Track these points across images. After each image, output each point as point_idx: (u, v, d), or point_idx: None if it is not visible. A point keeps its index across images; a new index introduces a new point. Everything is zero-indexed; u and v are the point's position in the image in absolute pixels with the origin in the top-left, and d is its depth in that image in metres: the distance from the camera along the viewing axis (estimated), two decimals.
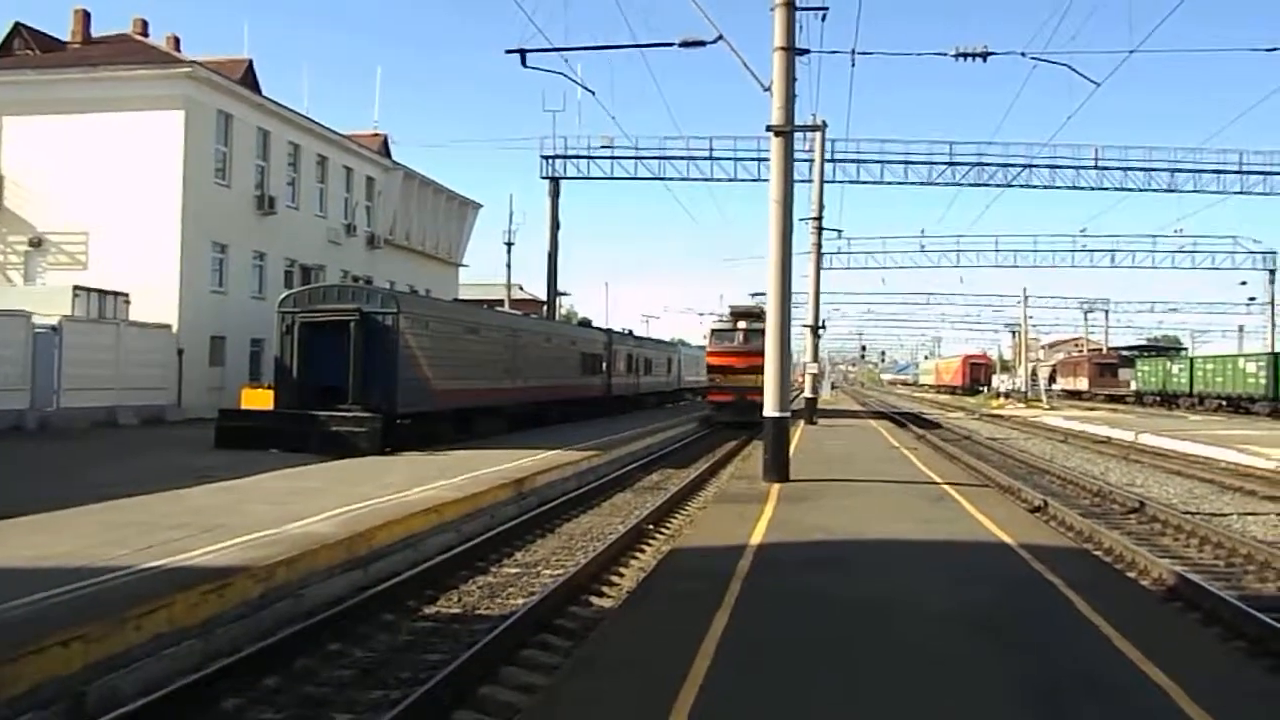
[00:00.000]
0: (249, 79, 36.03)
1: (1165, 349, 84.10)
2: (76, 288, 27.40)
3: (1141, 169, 45.75)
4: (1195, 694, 5.65)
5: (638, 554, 12.79)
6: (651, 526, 14.55)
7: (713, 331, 39.55)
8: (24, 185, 31.48)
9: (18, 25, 34.15)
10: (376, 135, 46.16)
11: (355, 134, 43.38)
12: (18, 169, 31.54)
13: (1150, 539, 14.43)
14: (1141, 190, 46.20)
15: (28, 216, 31.45)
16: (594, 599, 10.32)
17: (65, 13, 36.99)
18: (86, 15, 35.45)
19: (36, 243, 31.44)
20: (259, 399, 23.28)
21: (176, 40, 36.77)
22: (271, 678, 7.33)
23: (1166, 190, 46.18)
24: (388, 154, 45.80)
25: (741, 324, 36.86)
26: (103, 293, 28.00)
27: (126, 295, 28.85)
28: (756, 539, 10.83)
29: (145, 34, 36.49)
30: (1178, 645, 6.95)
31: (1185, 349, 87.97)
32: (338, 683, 7.39)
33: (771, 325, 16.75)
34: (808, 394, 38.41)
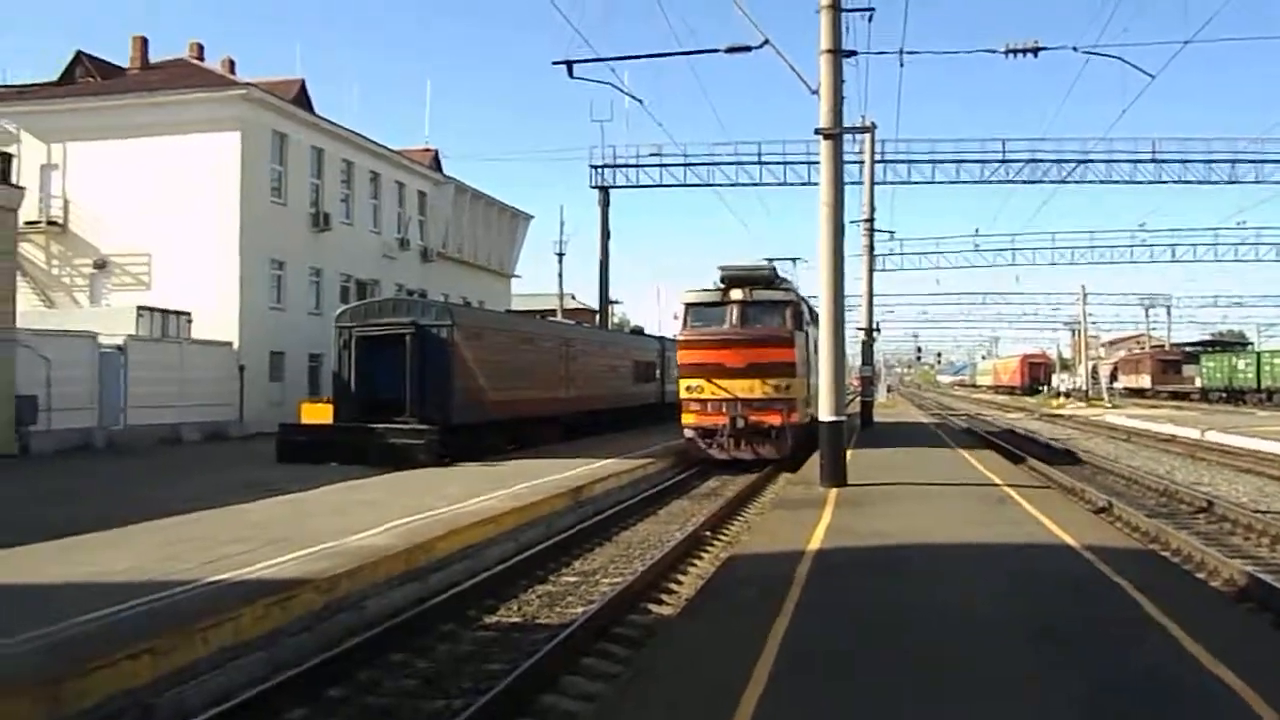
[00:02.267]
0: (302, 99, 36.64)
1: (1230, 344, 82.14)
2: (140, 308, 28.01)
3: (1201, 161, 44.80)
4: (1271, 698, 5.50)
5: (695, 561, 12.75)
6: (709, 533, 14.49)
7: (688, 309, 23.74)
8: (88, 209, 32.26)
9: (79, 54, 35.05)
10: (428, 150, 46.65)
11: (406, 150, 43.88)
12: (82, 193, 32.34)
13: (1220, 539, 14.10)
14: (1202, 182, 45.25)
15: (92, 239, 32.22)
16: (653, 606, 10.31)
17: (125, 40, 37.90)
18: (144, 42, 36.27)
19: (101, 264, 32.18)
20: (318, 413, 23.61)
21: (232, 63, 37.55)
22: (335, 689, 7.42)
23: (1228, 182, 45.16)
24: (439, 168, 46.25)
25: (736, 294, 23.10)
26: (165, 312, 28.61)
27: (189, 314, 29.45)
28: (815, 545, 10.74)
29: (201, 58, 37.27)
30: (1251, 648, 6.78)
31: (1251, 344, 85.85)
32: (400, 693, 7.45)
33: (825, 329, 16.62)
34: (863, 397, 37.69)
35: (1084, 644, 6.79)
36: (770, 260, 25.17)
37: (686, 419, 23.26)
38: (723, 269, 23.72)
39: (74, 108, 32.59)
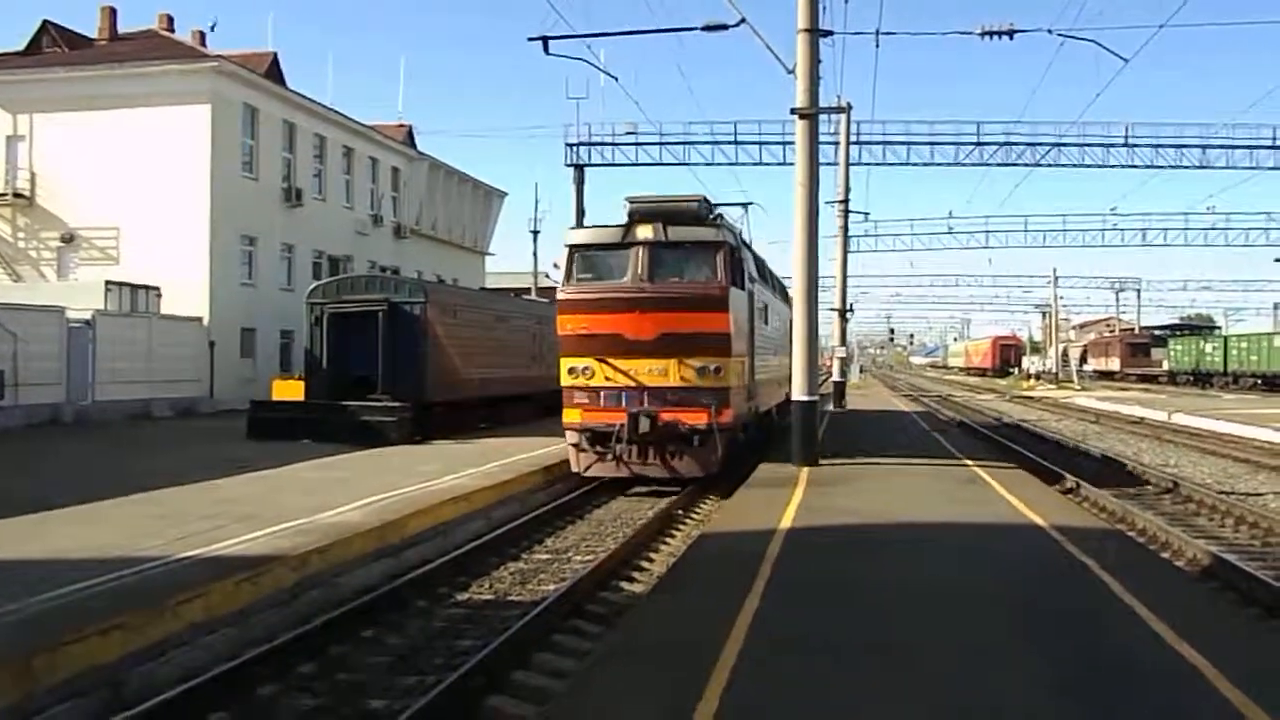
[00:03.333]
0: (274, 73, 36.20)
1: (1199, 328, 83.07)
2: (108, 282, 27.70)
3: (1172, 146, 45.04)
4: (1231, 675, 5.60)
5: (668, 539, 12.80)
6: (681, 512, 14.54)
7: (574, 255, 16.43)
8: (55, 182, 31.82)
9: (46, 23, 34.47)
10: (401, 126, 46.27)
11: (380, 125, 43.50)
12: (48, 166, 31.88)
13: (1185, 519, 14.30)
14: (1173, 167, 45.45)
15: (59, 213, 31.80)
16: (624, 584, 10.36)
17: (93, 10, 37.32)
18: (113, 12, 35.72)
19: (68, 238, 31.79)
20: (290, 390, 23.49)
21: (202, 35, 37.00)
22: (307, 664, 7.41)
23: (1198, 167, 45.42)
24: (413, 145, 45.90)
25: (645, 233, 15.82)
26: (134, 287, 28.31)
27: (158, 289, 29.17)
28: (786, 523, 10.81)
29: (171, 30, 36.70)
30: (1213, 626, 6.90)
31: (1219, 327, 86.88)
32: (372, 669, 7.46)
33: (799, 309, 16.72)
34: (836, 378, 37.82)
35: (1051, 622, 6.90)
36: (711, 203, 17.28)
37: (569, 417, 15.95)
38: (631, 199, 16.06)
39: (41, 78, 32.06)
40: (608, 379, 15.51)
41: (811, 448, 16.33)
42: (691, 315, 15.23)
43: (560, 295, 16.10)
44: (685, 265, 15.73)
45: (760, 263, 19.98)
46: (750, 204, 27.67)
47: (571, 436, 15.98)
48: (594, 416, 15.57)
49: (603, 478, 16.03)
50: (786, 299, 23.76)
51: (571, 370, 15.83)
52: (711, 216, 16.64)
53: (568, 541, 12.60)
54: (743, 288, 16.37)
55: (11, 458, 17.75)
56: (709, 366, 15.23)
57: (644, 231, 15.47)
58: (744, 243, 17.97)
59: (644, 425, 15.16)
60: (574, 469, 16.10)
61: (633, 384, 15.43)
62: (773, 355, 20.40)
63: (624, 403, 15.42)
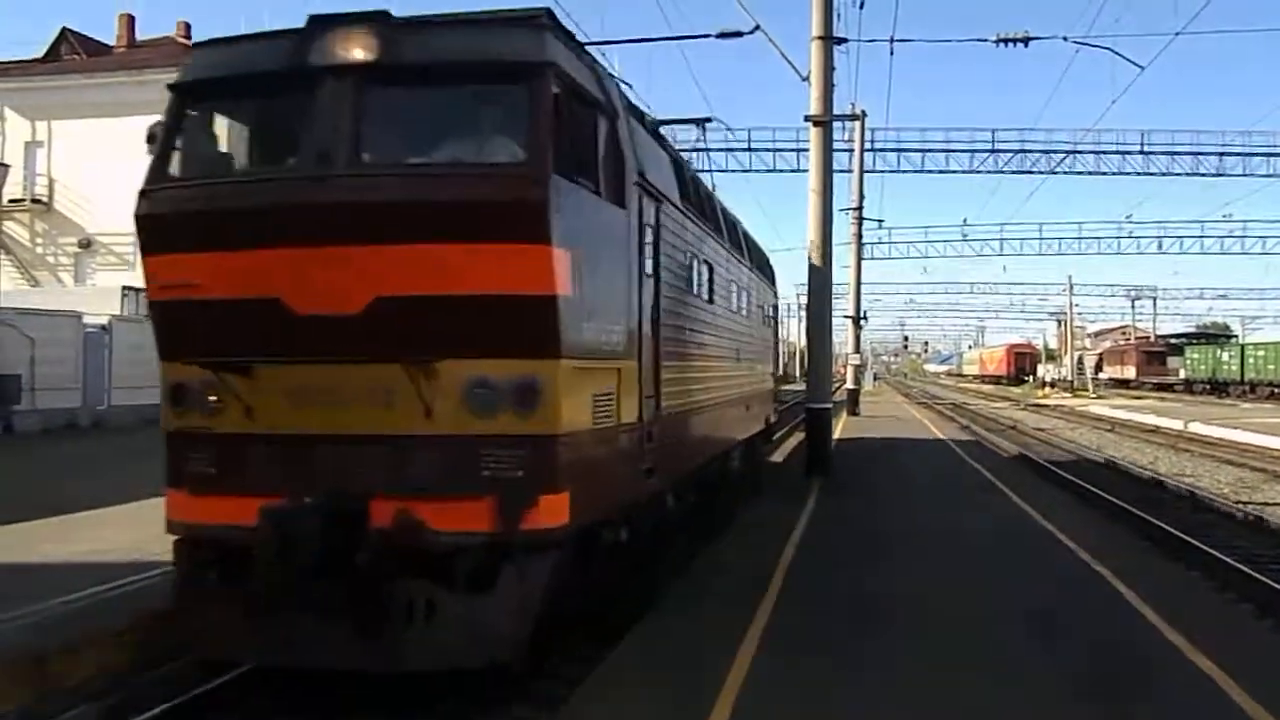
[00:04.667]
0: None
1: (1215, 336, 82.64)
2: (125, 288, 27.87)
3: (1189, 153, 44.93)
4: (1246, 683, 5.57)
5: None
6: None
7: (178, 108, 7.14)
8: (73, 188, 32.08)
9: (65, 31, 34.80)
10: None
11: None
12: (66, 172, 32.15)
13: (1202, 529, 14.21)
14: (1189, 175, 45.41)
15: (77, 218, 32.07)
16: None
17: (111, 18, 37.62)
18: (131, 20, 36.05)
19: (86, 244, 32.04)
20: None
21: None
22: None
23: (1214, 174, 45.34)
24: None
25: (341, 50, 6.12)
26: None
27: None
28: (796, 537, 10.79)
29: (189, 38, 36.95)
30: (1228, 635, 6.87)
31: (1236, 336, 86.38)
32: None
33: (813, 316, 16.70)
34: (850, 385, 37.70)
35: (1068, 625, 6.87)
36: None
37: (172, 506, 6.59)
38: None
39: (60, 85, 32.38)
40: (249, 417, 6.41)
41: (824, 458, 16.31)
42: (452, 252, 5.92)
43: (140, 207, 7.00)
44: (443, 125, 6.65)
45: (718, 209, 12.84)
46: (710, 119, 16.78)
47: (178, 554, 6.64)
48: (216, 511, 6.34)
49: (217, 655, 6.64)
50: (769, 279, 17.51)
51: (176, 394, 6.63)
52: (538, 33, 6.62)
53: None
54: (626, 204, 7.38)
55: (30, 461, 17.85)
56: (505, 385, 6.06)
57: (341, 46, 6.27)
58: (654, 123, 10.53)
59: (318, 538, 5.87)
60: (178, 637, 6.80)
61: (307, 433, 6.30)
62: (739, 360, 13.25)
63: (283, 480, 6.19)
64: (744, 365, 13.76)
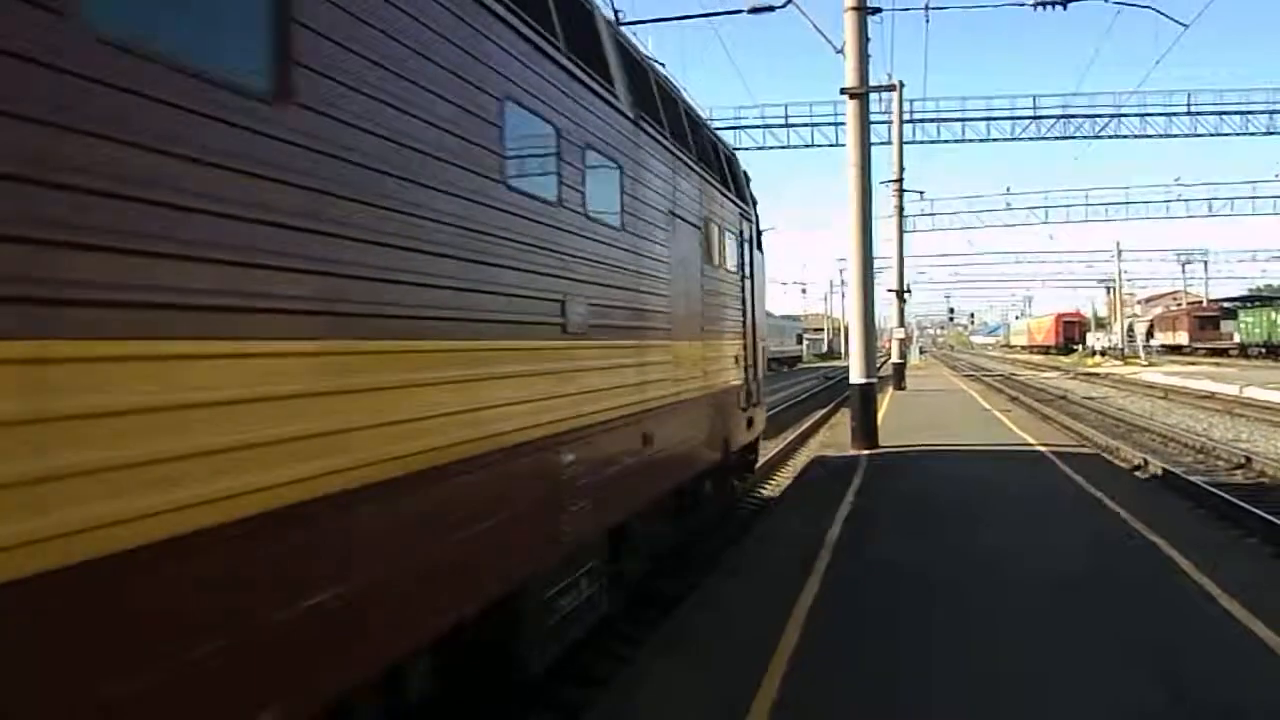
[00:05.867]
0: None
1: (1270, 298, 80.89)
2: None
3: (1238, 112, 43.97)
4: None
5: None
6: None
7: None
8: None
9: None
10: None
11: None
12: None
13: (1258, 495, 13.95)
14: (1239, 134, 44.43)
15: None
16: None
17: None
18: None
19: None
20: None
21: None
22: None
23: (1266, 133, 44.32)
24: None
25: None
26: None
27: None
28: (844, 510, 10.73)
29: None
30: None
31: None
32: None
33: (855, 290, 16.57)
34: (895, 359, 37.34)
35: (1118, 593, 6.78)
36: None
37: None
38: None
39: None
40: None
41: (871, 430, 16.21)
42: None
43: None
44: None
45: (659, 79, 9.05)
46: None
47: None
48: None
49: None
50: (740, 202, 12.01)
51: None
52: None
53: None
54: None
55: None
56: None
57: None
58: None
59: None
60: None
61: None
62: (661, 338, 7.91)
63: None
64: (672, 352, 8.24)
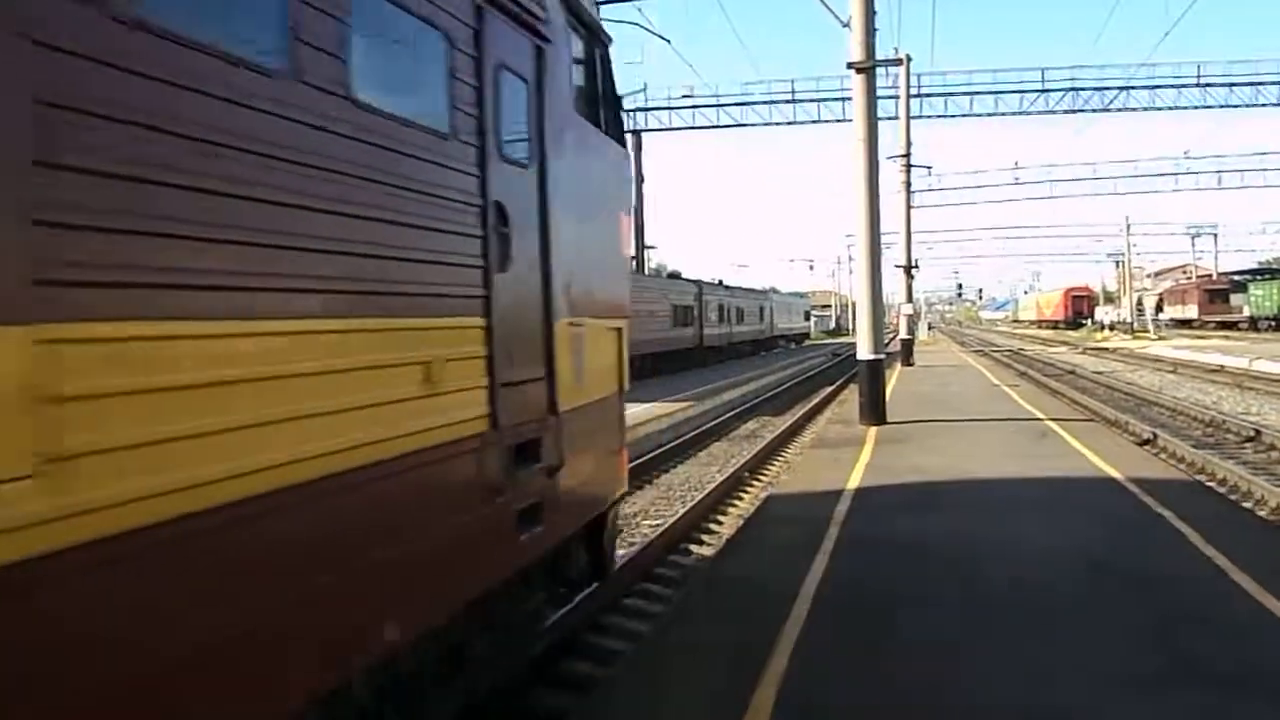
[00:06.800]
0: None
1: None
2: None
3: (1248, 84, 43.63)
4: None
5: (735, 502, 12.81)
6: (749, 474, 14.53)
7: None
8: None
9: None
10: None
11: None
12: None
13: (1268, 468, 13.93)
14: (1249, 106, 44.10)
15: None
16: (694, 547, 10.38)
17: None
18: None
19: None
20: None
21: None
22: None
23: (1276, 105, 43.99)
24: None
25: None
26: None
27: None
28: (853, 484, 10.75)
29: None
30: None
31: None
32: None
33: (862, 266, 16.53)
34: (903, 335, 37.26)
35: (1129, 578, 6.78)
36: None
37: None
38: None
39: None
40: None
41: (879, 406, 16.21)
42: None
43: None
44: None
45: None
46: None
47: None
48: None
49: None
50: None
51: None
52: None
53: (636, 507, 12.64)
54: None
55: None
56: None
57: None
58: None
59: None
60: None
61: None
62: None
63: None
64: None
